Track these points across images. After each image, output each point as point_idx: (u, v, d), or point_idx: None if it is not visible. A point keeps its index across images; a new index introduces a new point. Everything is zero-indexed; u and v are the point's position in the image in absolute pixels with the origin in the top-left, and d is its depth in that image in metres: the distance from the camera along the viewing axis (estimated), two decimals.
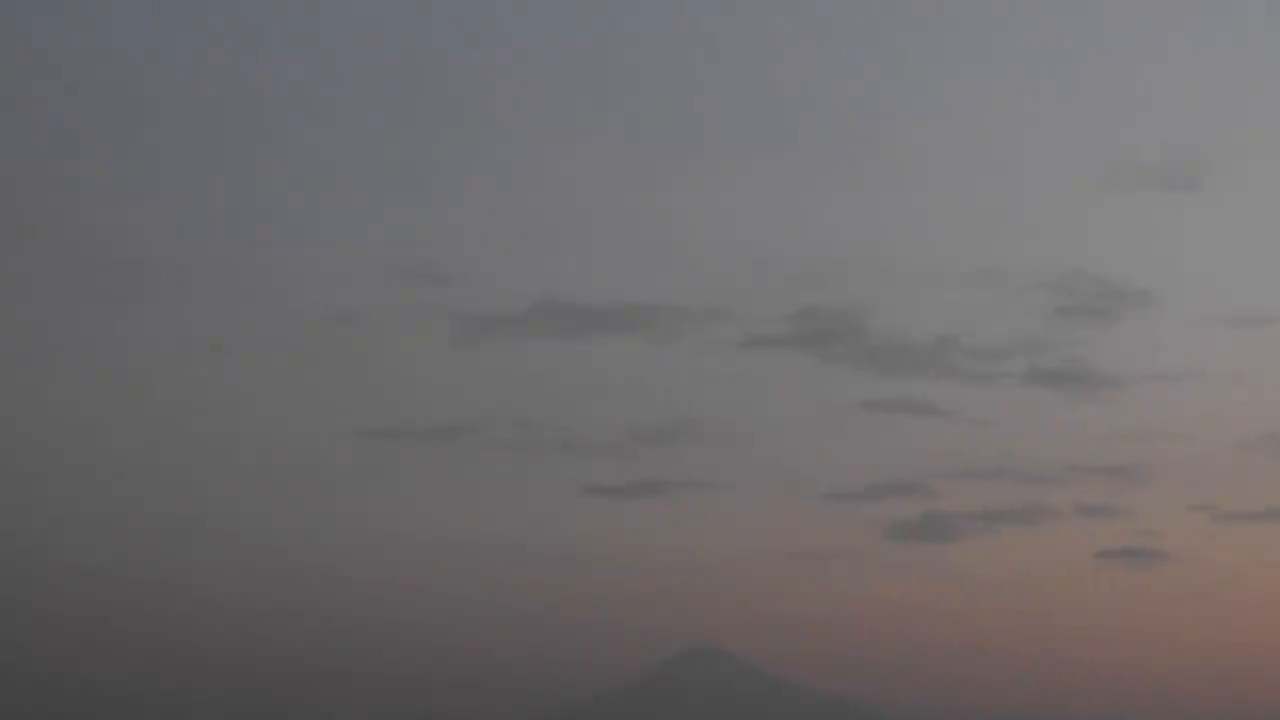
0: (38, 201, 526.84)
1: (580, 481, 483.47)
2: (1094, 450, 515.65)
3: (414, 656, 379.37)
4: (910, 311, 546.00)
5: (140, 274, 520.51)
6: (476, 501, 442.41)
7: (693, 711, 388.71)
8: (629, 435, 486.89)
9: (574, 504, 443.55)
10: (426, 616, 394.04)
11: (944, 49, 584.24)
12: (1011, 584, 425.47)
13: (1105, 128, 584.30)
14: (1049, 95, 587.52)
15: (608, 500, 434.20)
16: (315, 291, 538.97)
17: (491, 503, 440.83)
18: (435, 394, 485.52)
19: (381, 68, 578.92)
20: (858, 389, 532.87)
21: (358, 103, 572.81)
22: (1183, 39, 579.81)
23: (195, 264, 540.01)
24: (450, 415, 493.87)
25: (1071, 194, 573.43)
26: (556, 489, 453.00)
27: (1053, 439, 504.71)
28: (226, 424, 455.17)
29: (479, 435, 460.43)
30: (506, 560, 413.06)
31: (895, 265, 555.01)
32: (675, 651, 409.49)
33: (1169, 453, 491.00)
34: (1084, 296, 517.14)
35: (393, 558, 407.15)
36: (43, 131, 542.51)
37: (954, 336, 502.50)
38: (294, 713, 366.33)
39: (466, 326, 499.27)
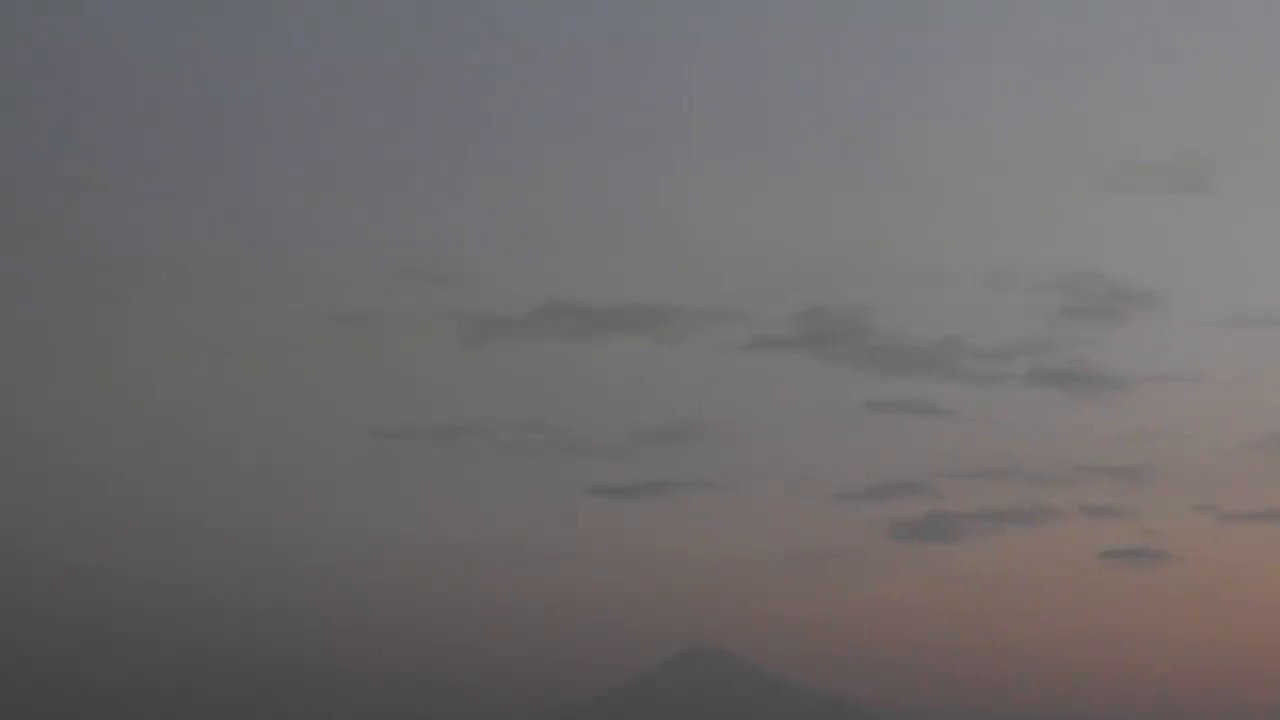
0: (41, 202, 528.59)
1: (583, 482, 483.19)
2: (1098, 451, 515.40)
3: (414, 656, 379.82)
4: (915, 312, 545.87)
5: (144, 274, 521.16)
6: (478, 502, 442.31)
7: (693, 712, 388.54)
8: (632, 436, 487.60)
9: (576, 504, 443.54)
10: (426, 616, 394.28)
11: (952, 49, 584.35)
12: (1014, 584, 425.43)
13: (1113, 128, 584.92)
14: (1056, 96, 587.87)
15: (610, 500, 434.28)
16: (319, 292, 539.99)
17: (493, 503, 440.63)
18: (439, 394, 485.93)
19: (386, 68, 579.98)
20: (862, 389, 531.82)
21: (362, 103, 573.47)
22: (1191, 40, 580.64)
23: (198, 264, 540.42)
24: (454, 416, 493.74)
25: (1079, 195, 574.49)
26: (559, 489, 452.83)
27: (1057, 439, 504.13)
28: (230, 424, 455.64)
29: (482, 436, 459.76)
30: (507, 560, 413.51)
31: (901, 266, 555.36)
32: (675, 652, 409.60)
33: (1173, 453, 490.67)
34: (1090, 297, 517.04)
35: (393, 557, 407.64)
36: (44, 131, 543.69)
37: (958, 337, 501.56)
38: (294, 713, 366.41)
39: (471, 327, 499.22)
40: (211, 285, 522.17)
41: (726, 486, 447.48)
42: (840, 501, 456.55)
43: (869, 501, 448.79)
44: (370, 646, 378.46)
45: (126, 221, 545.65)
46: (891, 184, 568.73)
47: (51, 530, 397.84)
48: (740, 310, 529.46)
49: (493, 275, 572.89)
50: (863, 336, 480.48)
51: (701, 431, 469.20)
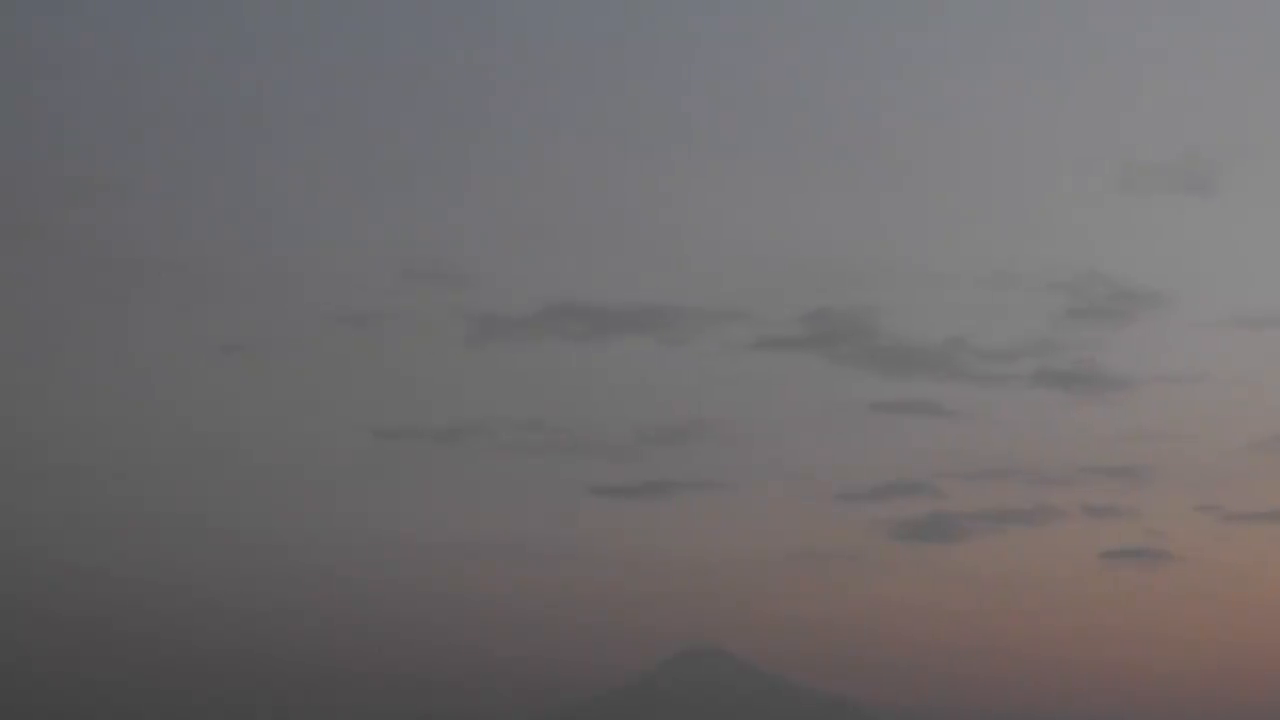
0: (43, 202, 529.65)
1: (586, 482, 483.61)
2: (1101, 451, 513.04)
3: (414, 656, 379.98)
4: (921, 313, 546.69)
5: (147, 275, 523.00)
6: (481, 502, 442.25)
7: (693, 712, 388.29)
8: (637, 436, 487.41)
9: (579, 504, 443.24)
10: (426, 616, 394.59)
11: (956, 50, 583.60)
12: (1016, 584, 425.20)
13: (1117, 129, 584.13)
14: (1060, 97, 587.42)
15: (613, 501, 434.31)
16: (322, 292, 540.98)
17: (496, 503, 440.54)
18: (443, 395, 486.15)
19: (390, 68, 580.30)
20: (866, 390, 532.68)
21: (365, 103, 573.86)
22: (1195, 40, 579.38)
23: (201, 264, 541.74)
24: (460, 416, 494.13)
25: (1082, 196, 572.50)
26: (562, 489, 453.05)
27: (1060, 440, 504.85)
28: (233, 425, 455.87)
29: (487, 436, 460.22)
30: (508, 560, 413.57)
31: (906, 267, 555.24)
32: (676, 652, 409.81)
33: (1176, 453, 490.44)
34: (1096, 298, 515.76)
35: (395, 557, 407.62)
36: (46, 132, 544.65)
37: (963, 338, 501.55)
38: (294, 713, 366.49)
39: (475, 327, 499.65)
40: (214, 285, 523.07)
41: (729, 487, 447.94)
42: (842, 502, 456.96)
43: (871, 501, 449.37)
44: (371, 646, 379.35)
45: (128, 222, 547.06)
46: (896, 185, 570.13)
47: (52, 530, 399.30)
48: (745, 311, 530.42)
49: (497, 276, 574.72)
50: (867, 337, 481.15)
51: (705, 432, 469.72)
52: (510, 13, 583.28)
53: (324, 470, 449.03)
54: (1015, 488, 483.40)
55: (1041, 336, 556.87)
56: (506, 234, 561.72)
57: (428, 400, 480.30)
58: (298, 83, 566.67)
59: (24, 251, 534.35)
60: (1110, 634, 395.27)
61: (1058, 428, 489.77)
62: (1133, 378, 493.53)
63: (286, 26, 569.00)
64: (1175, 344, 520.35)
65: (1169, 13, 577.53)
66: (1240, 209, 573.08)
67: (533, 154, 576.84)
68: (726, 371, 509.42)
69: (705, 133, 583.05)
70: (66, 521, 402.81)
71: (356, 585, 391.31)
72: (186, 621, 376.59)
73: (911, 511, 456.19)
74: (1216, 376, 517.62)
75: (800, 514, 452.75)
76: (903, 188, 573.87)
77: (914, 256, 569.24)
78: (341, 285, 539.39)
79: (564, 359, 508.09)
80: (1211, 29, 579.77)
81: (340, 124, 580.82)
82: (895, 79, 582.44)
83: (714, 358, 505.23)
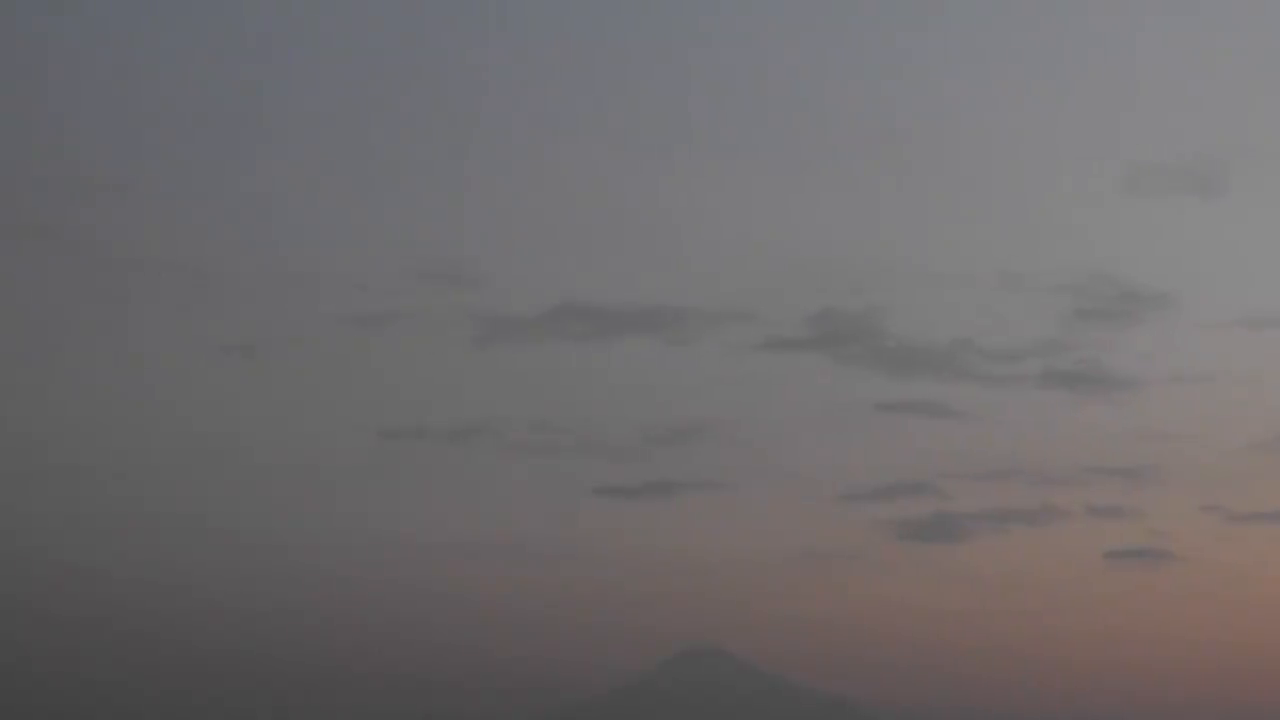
0: (47, 202, 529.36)
1: (590, 482, 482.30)
2: (1106, 451, 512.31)
3: (414, 656, 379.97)
4: (927, 314, 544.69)
5: (152, 275, 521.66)
6: (485, 502, 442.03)
7: (695, 712, 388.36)
8: (643, 436, 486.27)
9: (582, 505, 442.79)
10: (427, 616, 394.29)
11: (962, 49, 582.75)
12: (1019, 584, 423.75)
13: (1124, 130, 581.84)
14: (1067, 97, 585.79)
15: (616, 501, 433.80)
16: (328, 292, 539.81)
17: (500, 503, 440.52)
18: (450, 395, 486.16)
19: (397, 68, 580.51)
20: (872, 391, 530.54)
21: (372, 103, 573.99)
22: (1203, 41, 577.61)
23: (207, 264, 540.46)
24: (464, 417, 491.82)
25: (1090, 197, 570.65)
26: (566, 490, 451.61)
27: (1065, 440, 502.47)
28: (239, 425, 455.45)
29: (494, 437, 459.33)
30: (510, 560, 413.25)
31: (913, 268, 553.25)
32: (677, 651, 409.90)
33: (1181, 454, 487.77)
34: (1104, 299, 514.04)
35: (398, 558, 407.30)
36: (50, 131, 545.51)
37: (969, 338, 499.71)
38: (295, 713, 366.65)
39: (482, 328, 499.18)
40: (217, 285, 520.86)
41: (734, 487, 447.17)
42: (845, 502, 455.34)
43: (874, 502, 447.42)
44: (372, 646, 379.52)
45: (133, 221, 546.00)
46: (903, 186, 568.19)
47: (53, 530, 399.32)
48: (751, 311, 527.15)
49: (504, 276, 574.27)
50: (873, 338, 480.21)
51: (709, 432, 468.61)
52: (515, 13, 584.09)
53: (328, 470, 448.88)
54: (1019, 488, 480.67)
55: (1048, 337, 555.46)
56: (511, 234, 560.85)
57: (432, 401, 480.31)
58: (303, 82, 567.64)
59: (25, 251, 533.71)
60: (1113, 634, 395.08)
61: (1063, 428, 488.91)
62: (1139, 378, 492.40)
63: (292, 25, 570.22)
64: (1181, 345, 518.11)
65: (1175, 13, 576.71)
66: (1247, 210, 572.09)
67: (538, 155, 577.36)
68: (731, 372, 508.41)
69: (711, 133, 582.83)
70: (68, 521, 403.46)
71: (359, 585, 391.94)
72: (187, 621, 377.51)
73: (915, 512, 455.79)
74: (1223, 377, 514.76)
75: (803, 514, 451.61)
76: (909, 189, 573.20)
77: (920, 257, 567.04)
78: (345, 286, 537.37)
79: (569, 359, 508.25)
80: (1218, 30, 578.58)
81: (344, 124, 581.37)
82: (900, 79, 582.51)
83: (719, 358, 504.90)
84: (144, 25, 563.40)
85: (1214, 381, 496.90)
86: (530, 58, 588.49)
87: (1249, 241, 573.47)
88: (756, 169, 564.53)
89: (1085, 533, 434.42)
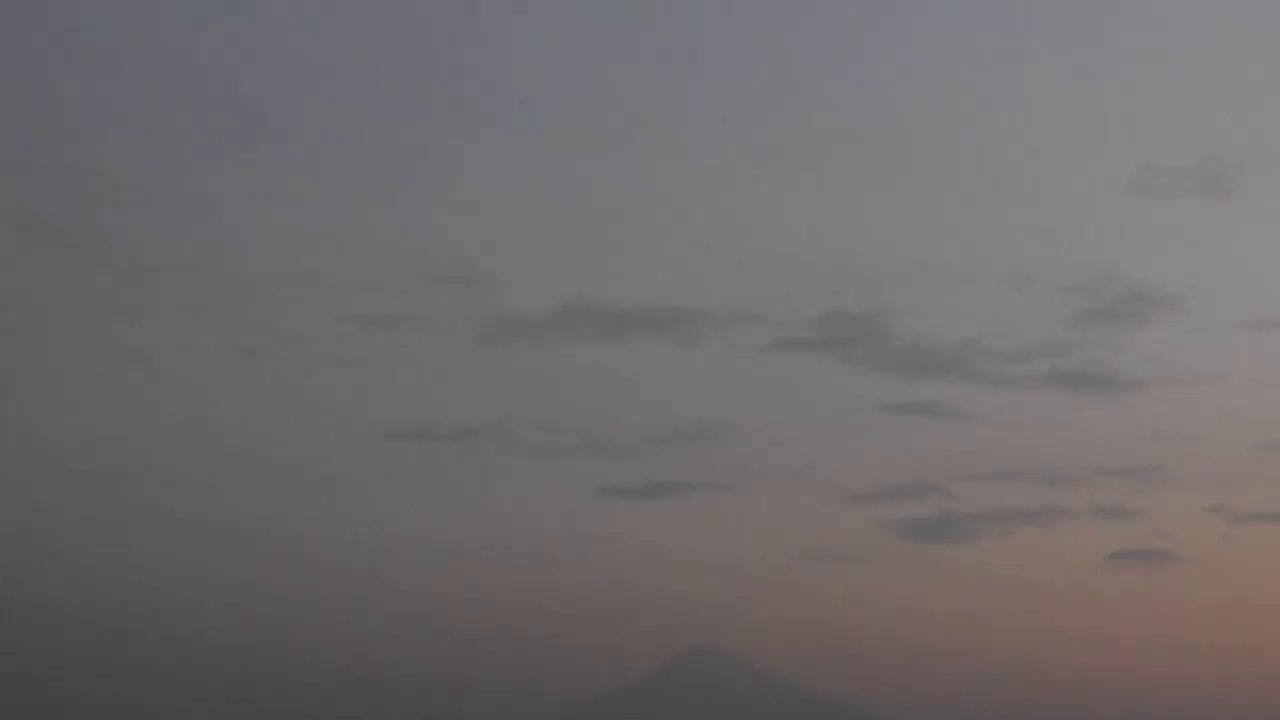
0: (50, 202, 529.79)
1: (596, 483, 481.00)
2: (1112, 452, 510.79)
3: (418, 656, 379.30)
4: (935, 315, 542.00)
5: (159, 277, 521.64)
6: (492, 503, 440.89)
7: (697, 713, 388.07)
8: (649, 437, 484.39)
9: (588, 505, 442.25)
10: (431, 616, 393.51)
11: (971, 50, 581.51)
12: (1024, 584, 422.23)
13: (1133, 131, 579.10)
14: (1077, 98, 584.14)
15: (622, 501, 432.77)
16: (335, 293, 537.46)
17: (504, 504, 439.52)
18: (457, 396, 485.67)
19: (405, 69, 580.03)
20: (880, 391, 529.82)
21: (383, 104, 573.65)
22: (1213, 43, 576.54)
23: (215, 266, 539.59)
24: (472, 417, 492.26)
25: (1099, 198, 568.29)
26: (571, 491, 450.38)
27: (1071, 441, 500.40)
28: (247, 426, 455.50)
29: (499, 438, 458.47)
30: (513, 561, 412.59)
31: (921, 269, 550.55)
32: (680, 652, 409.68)
33: (1186, 455, 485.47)
34: (1112, 300, 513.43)
35: (402, 558, 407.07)
36: (58, 133, 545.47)
37: (977, 339, 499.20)
38: (297, 712, 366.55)
39: (491, 329, 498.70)
40: (225, 287, 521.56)
41: (740, 488, 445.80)
42: (852, 502, 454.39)
43: (880, 502, 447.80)
44: (375, 646, 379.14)
45: (139, 223, 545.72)
46: (911, 187, 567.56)
47: (54, 530, 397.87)
48: (760, 312, 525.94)
49: (510, 277, 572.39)
50: (880, 339, 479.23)
51: (717, 433, 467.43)
52: (519, 13, 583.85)
53: (333, 471, 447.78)
54: (1025, 489, 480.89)
55: (1054, 338, 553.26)
56: (518, 235, 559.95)
57: (437, 401, 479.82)
58: (313, 83, 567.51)
59: (33, 251, 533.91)
60: (1117, 635, 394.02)
61: (1069, 429, 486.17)
62: (1146, 379, 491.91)
63: (300, 25, 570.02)
64: (1188, 346, 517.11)
65: (1186, 14, 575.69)
66: (1256, 212, 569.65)
67: (545, 155, 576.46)
68: (739, 373, 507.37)
69: (719, 133, 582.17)
70: (74, 521, 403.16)
71: (364, 585, 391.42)
72: (191, 621, 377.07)
73: (920, 512, 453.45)
74: (1229, 379, 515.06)
75: (809, 515, 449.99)
76: (918, 190, 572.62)
77: (928, 258, 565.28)
78: (353, 287, 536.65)
79: (575, 360, 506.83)
80: (1229, 31, 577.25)
81: (351, 125, 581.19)
82: (908, 79, 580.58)
83: (725, 359, 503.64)
84: (151, 25, 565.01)
85: (1220, 383, 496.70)
86: (535, 58, 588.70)
87: (1257, 244, 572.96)
88: (764, 169, 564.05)
89: (1090, 533, 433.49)
